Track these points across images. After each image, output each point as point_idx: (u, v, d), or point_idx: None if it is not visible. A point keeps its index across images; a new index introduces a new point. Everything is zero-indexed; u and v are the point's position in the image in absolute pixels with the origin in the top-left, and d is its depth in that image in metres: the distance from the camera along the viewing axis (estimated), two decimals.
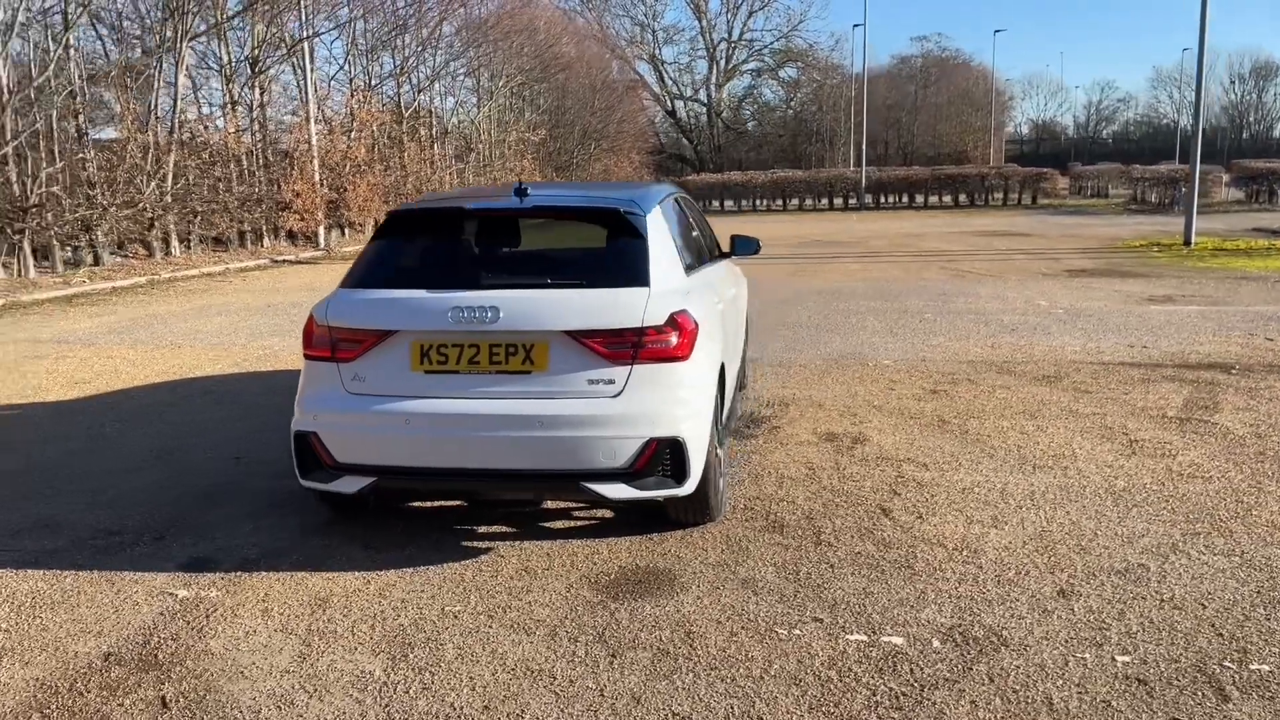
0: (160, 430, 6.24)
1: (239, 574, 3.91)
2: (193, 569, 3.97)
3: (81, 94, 17.17)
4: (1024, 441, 5.55)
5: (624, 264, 4.04)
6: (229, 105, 21.30)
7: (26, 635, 3.43)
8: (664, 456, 3.82)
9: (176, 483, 5.11)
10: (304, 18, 21.81)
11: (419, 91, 31.29)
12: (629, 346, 3.80)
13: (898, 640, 3.26)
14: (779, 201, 42.72)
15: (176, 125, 18.31)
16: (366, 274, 4.18)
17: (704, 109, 71.50)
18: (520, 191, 4.39)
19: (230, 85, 21.32)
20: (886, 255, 18.40)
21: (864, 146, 44.50)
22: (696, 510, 4.19)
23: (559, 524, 4.38)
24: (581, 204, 4.47)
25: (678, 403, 3.87)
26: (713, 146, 69.29)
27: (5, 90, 14.93)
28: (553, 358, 3.81)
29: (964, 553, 3.98)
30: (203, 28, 19.48)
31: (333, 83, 27.04)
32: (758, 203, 43.18)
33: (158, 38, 18.60)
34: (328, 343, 3.98)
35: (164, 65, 18.51)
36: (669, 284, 4.09)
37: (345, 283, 4.21)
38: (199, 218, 18.89)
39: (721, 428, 4.57)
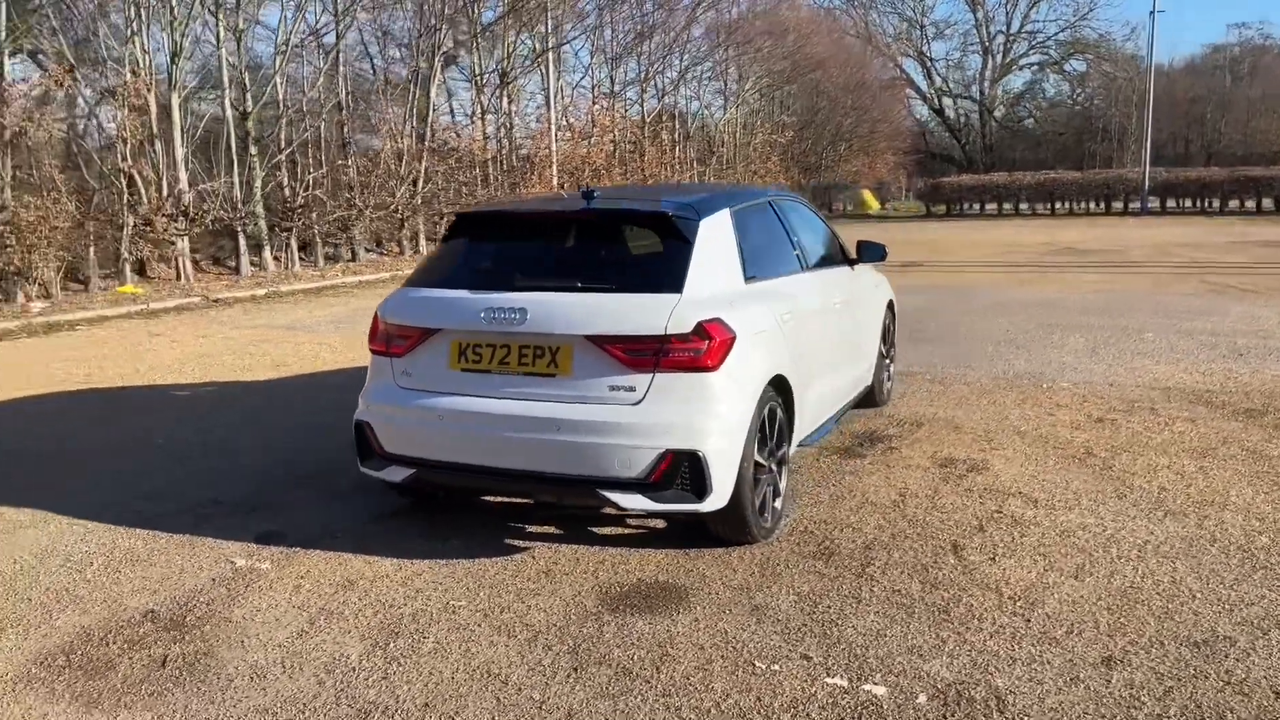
0: (318, 408, 6.81)
1: (297, 550, 4.19)
2: (262, 540, 4.30)
3: (347, 107, 19.08)
4: (1173, 483, 4.83)
5: (660, 269, 3.94)
6: (479, 114, 22.85)
7: (99, 587, 3.86)
8: (682, 469, 3.69)
9: (297, 460, 5.55)
10: (550, 27, 22.97)
11: (663, 95, 32.01)
12: (651, 354, 3.70)
13: (879, 690, 2.95)
14: (1046, 205, 39.69)
15: (428, 133, 19.89)
16: (424, 274, 4.35)
17: (975, 106, 67.68)
18: (587, 195, 4.39)
19: (480, 94, 22.86)
20: (1140, 266, 16.63)
21: (1147, 145, 40.39)
22: (733, 528, 4.00)
23: (607, 530, 4.34)
24: (634, 208, 4.40)
25: (700, 414, 3.72)
26: (983, 146, 65.40)
27: (281, 104, 16.89)
28: (576, 362, 3.78)
29: (1019, 603, 3.53)
30: (454, 43, 21.03)
31: (577, 90, 28.23)
32: (1021, 206, 40.38)
33: (415, 53, 20.30)
34: (384, 338, 4.18)
35: (420, 78, 20.16)
36: (710, 291, 3.93)
37: (407, 281, 4.40)
38: (444, 219, 20.38)
39: (785, 446, 4.33)
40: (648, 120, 31.11)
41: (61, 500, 4.89)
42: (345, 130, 18.86)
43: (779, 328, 4.27)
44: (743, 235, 4.44)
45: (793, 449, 4.60)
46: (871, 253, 5.87)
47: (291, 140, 17.23)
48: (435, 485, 4.18)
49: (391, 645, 3.32)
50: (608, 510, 3.98)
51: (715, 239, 4.17)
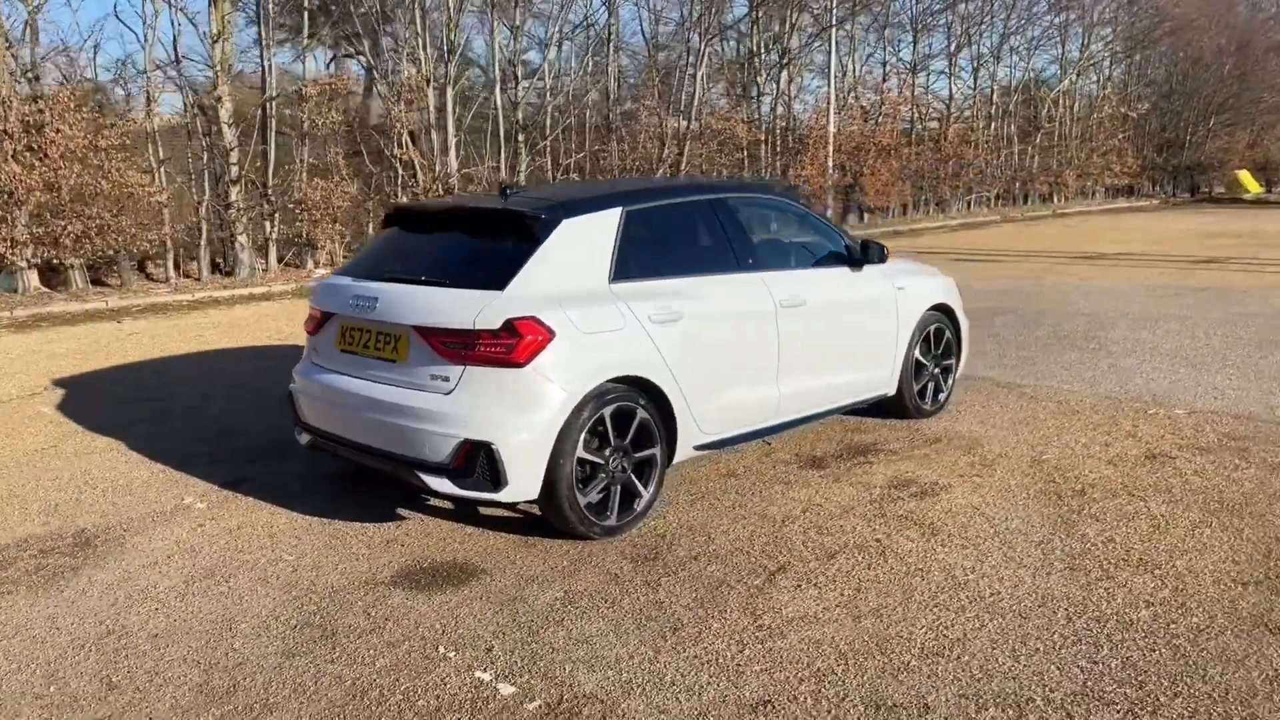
0: None
1: (239, 496, 4.91)
2: (227, 486, 5.07)
3: (614, 91, 20.14)
4: (1127, 539, 4.16)
5: (494, 267, 4.12)
6: (755, 95, 22.98)
7: (78, 506, 4.81)
8: (480, 459, 3.89)
9: None
10: (833, 4, 22.48)
11: (978, 67, 29.94)
12: (462, 347, 3.93)
13: (506, 690, 3.03)
14: None
15: (693, 115, 20.42)
16: (348, 264, 4.85)
17: None
18: (502, 193, 4.67)
19: (756, 75, 22.97)
20: None
21: None
22: (557, 521, 4.13)
23: (495, 511, 4.58)
24: (493, 207, 4.54)
25: (499, 408, 3.89)
26: None
27: (548, 91, 18.26)
28: (411, 350, 4.10)
29: (763, 634, 3.37)
30: (724, 24, 21.32)
31: (865, 66, 27.25)
32: None
33: (684, 33, 20.87)
34: (309, 319, 4.76)
35: (690, 58, 20.73)
36: (543, 290, 4.05)
37: (335, 270, 4.93)
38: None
39: (653, 447, 4.33)
40: (955, 96, 29.32)
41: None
42: (610, 115, 19.93)
43: (642, 328, 4.26)
44: (632, 236, 4.45)
45: (682, 452, 4.56)
46: (872, 253, 5.51)
47: (556, 125, 18.57)
48: (324, 451, 4.67)
49: (201, 581, 3.88)
50: (425, 491, 4.21)
51: (576, 239, 4.25)
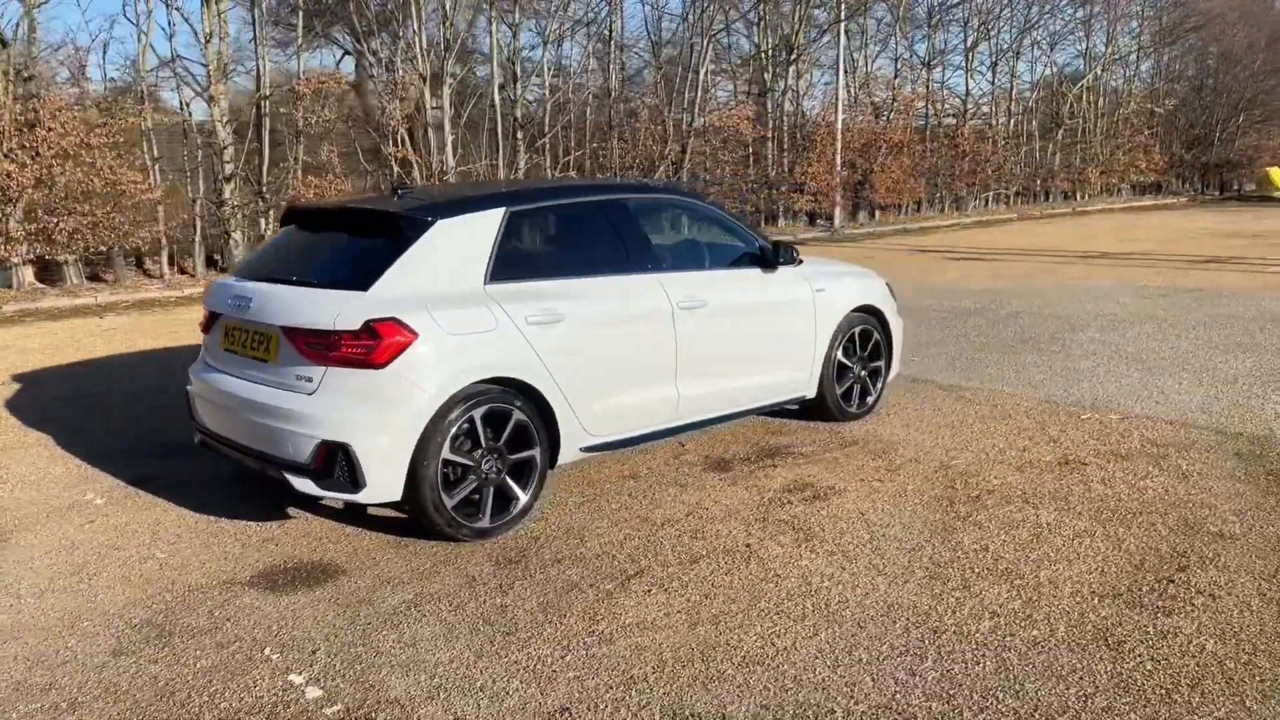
0: None
1: (140, 493, 4.96)
2: (133, 483, 5.13)
3: (615, 89, 20.11)
4: (1003, 547, 4.08)
5: (361, 267, 4.12)
6: (760, 92, 22.85)
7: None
8: (339, 460, 3.90)
9: None
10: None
11: (996, 61, 29.51)
12: (324, 348, 3.94)
13: (313, 693, 3.04)
14: None
15: (695, 113, 20.33)
16: (240, 265, 4.88)
17: None
18: (394, 191, 4.68)
19: (764, 72, 22.83)
20: None
21: None
22: (424, 523, 4.13)
23: (386, 512, 4.59)
24: (371, 208, 4.54)
25: (356, 410, 3.90)
26: None
27: (546, 88, 18.30)
28: (280, 350, 4.12)
29: (590, 639, 3.35)
30: (724, 24, 21.20)
31: (875, 62, 26.95)
32: None
33: (688, 29, 20.80)
34: (204, 319, 4.79)
35: (693, 56, 20.65)
36: (410, 291, 4.05)
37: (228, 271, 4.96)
38: (709, 198, 20.83)
39: (531, 449, 4.33)
40: (971, 92, 28.93)
41: None
42: (611, 113, 19.90)
43: (517, 330, 4.24)
44: (516, 237, 4.44)
45: (568, 455, 4.54)
46: (786, 254, 5.46)
47: (555, 123, 18.59)
48: (212, 450, 4.70)
49: (66, 578, 3.92)
50: (292, 492, 4.21)
51: (450, 240, 4.24)
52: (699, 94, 20.36)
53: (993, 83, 30.01)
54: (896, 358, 6.35)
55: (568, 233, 4.83)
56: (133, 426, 6.19)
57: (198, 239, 14.31)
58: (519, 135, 17.94)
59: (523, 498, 4.33)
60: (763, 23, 22.65)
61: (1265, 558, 3.88)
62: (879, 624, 3.40)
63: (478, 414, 4.13)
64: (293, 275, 4.27)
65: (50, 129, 12.35)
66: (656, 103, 20.21)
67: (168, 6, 14.15)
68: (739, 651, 3.24)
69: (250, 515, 4.56)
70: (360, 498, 3.94)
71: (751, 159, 22.06)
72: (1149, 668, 3.07)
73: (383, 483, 3.92)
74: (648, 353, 4.79)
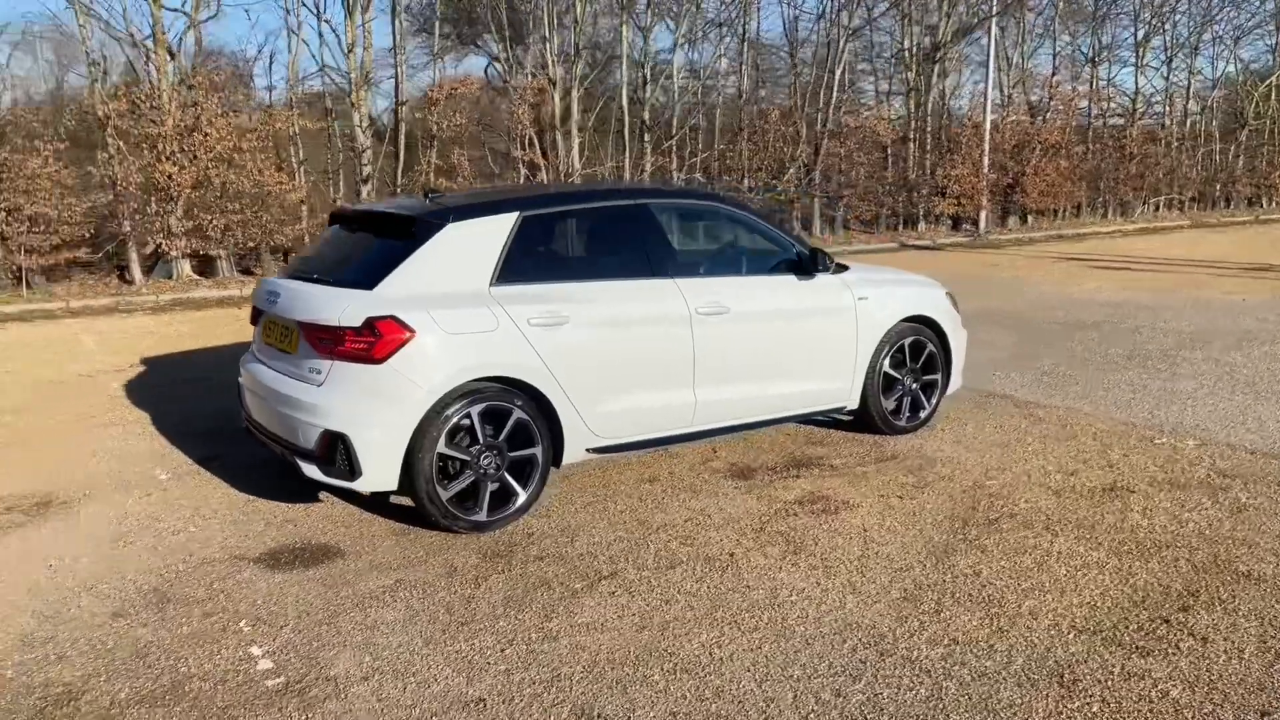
0: None
1: (203, 472, 5.39)
2: (200, 462, 5.58)
3: (748, 90, 20.01)
4: (994, 570, 3.90)
5: (372, 267, 4.34)
6: (906, 91, 22.21)
7: (65, 471, 5.42)
8: (339, 449, 4.13)
9: None
10: None
11: (1171, 57, 27.52)
12: (331, 343, 4.19)
13: (264, 665, 3.25)
14: None
15: (829, 114, 19.97)
16: (289, 263, 5.21)
17: None
18: (426, 196, 4.92)
19: (910, 70, 22.17)
20: None
21: None
22: (422, 512, 4.31)
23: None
24: (388, 210, 4.73)
25: (355, 402, 4.12)
26: None
27: (675, 90, 18.44)
28: (299, 344, 4.41)
29: (541, 634, 3.42)
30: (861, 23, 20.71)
31: (1032, 59, 25.60)
32: None
33: (826, 27, 20.45)
34: (252, 314, 5.15)
35: (830, 54, 20.30)
36: (414, 291, 4.24)
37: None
38: (843, 200, 20.42)
39: (532, 447, 4.46)
40: (1142, 90, 27.08)
41: None
42: (742, 114, 19.81)
43: (518, 331, 4.35)
44: (528, 240, 4.56)
45: (573, 454, 4.63)
46: (824, 261, 5.36)
47: (684, 125, 18.70)
48: (253, 437, 5.03)
49: (104, 546, 4.32)
50: (303, 477, 4.45)
51: (458, 243, 4.41)
52: (834, 94, 19.99)
53: (1167, 79, 28.02)
54: (957, 371, 6.10)
55: (582, 237, 4.92)
56: (222, 410, 6.69)
57: None
58: (646, 137, 18.14)
59: (522, 494, 4.45)
60: (907, 20, 21.98)
61: None
62: (827, 642, 3.33)
63: (475, 411, 4.28)
64: (316, 274, 4.55)
65: (207, 134, 13.43)
66: (789, 104, 19.96)
67: (318, 18, 15.11)
68: (673, 658, 3.24)
69: (285, 497, 4.86)
70: (357, 485, 4.16)
71: (890, 161, 21.46)
72: (1093, 710, 2.89)
73: (378, 472, 4.13)
74: (661, 357, 4.81)
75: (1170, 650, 3.23)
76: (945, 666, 3.15)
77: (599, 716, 2.91)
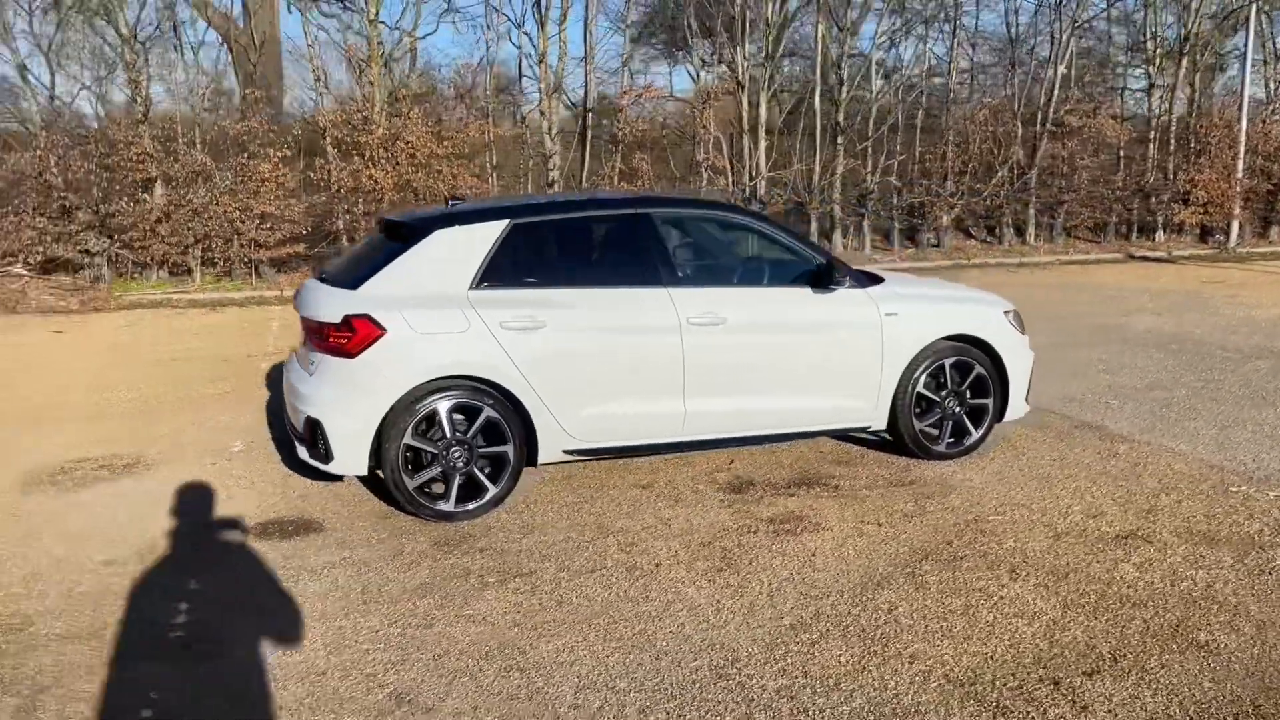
0: None
1: (269, 447, 6.03)
2: (277, 440, 6.24)
3: (951, 91, 19.01)
4: (915, 610, 3.68)
5: (364, 269, 4.71)
6: (1146, 87, 20.24)
7: (165, 438, 6.26)
8: (318, 434, 4.56)
9: None
10: None
11: None
12: (320, 337, 4.62)
13: (179, 620, 3.69)
14: None
15: (1049, 112, 18.57)
16: (320, 266, 5.71)
17: None
18: (447, 203, 5.28)
19: (1151, 64, 20.18)
20: None
21: None
22: (393, 496, 4.64)
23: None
24: (394, 219, 5.01)
25: (329, 391, 4.53)
26: None
27: (873, 91, 17.90)
28: (307, 339, 4.88)
29: (417, 620, 3.65)
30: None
31: None
32: None
33: (1055, 20, 18.99)
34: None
35: (1054, 48, 18.88)
36: (394, 292, 4.57)
37: None
38: (1063, 206, 18.95)
39: (503, 445, 4.67)
40: None
41: None
42: (948, 114, 18.83)
43: (489, 333, 4.57)
44: (515, 247, 4.77)
45: (549, 454, 4.79)
46: (844, 274, 5.19)
47: (881, 126, 18.06)
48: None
49: (147, 504, 4.98)
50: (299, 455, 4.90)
51: (444, 247, 4.69)
52: (1054, 92, 18.59)
53: None
54: (1018, 396, 5.64)
55: (575, 245, 5.04)
56: None
57: None
58: (839, 139, 17.73)
59: (492, 489, 4.67)
60: (1150, 8, 19.99)
61: (1222, 682, 3.10)
62: (675, 659, 3.31)
63: (444, 407, 4.55)
64: (329, 276, 4.99)
65: (409, 142, 14.67)
66: (998, 102, 18.78)
67: (518, 29, 16.06)
68: (520, 658, 3.35)
69: (315, 475, 5.35)
70: (331, 468, 4.55)
71: (1121, 164, 19.64)
72: None
73: (348, 457, 4.50)
74: (647, 366, 4.85)
75: (1030, 715, 2.93)
76: (770, 697, 3.05)
77: (410, 702, 3.08)
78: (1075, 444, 5.82)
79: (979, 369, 5.49)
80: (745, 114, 17.03)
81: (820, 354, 5.19)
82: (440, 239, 4.71)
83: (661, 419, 4.94)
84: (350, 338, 4.47)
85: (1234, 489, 4.98)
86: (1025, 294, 12.80)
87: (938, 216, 18.39)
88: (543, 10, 15.67)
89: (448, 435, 4.59)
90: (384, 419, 4.48)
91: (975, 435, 5.55)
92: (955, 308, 5.54)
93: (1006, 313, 5.65)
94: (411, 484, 4.56)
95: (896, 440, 5.49)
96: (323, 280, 4.97)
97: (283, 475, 5.40)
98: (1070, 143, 18.70)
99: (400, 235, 4.82)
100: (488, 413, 4.62)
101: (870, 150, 18.00)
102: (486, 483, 4.67)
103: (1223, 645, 3.34)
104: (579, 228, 5.09)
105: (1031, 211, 19.12)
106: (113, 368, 8.44)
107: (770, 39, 17.06)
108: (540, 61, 15.71)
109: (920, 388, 5.38)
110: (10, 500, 5.01)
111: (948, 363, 5.42)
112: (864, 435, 5.67)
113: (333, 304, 4.57)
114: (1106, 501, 4.81)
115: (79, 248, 13.98)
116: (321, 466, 4.61)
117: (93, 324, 11.21)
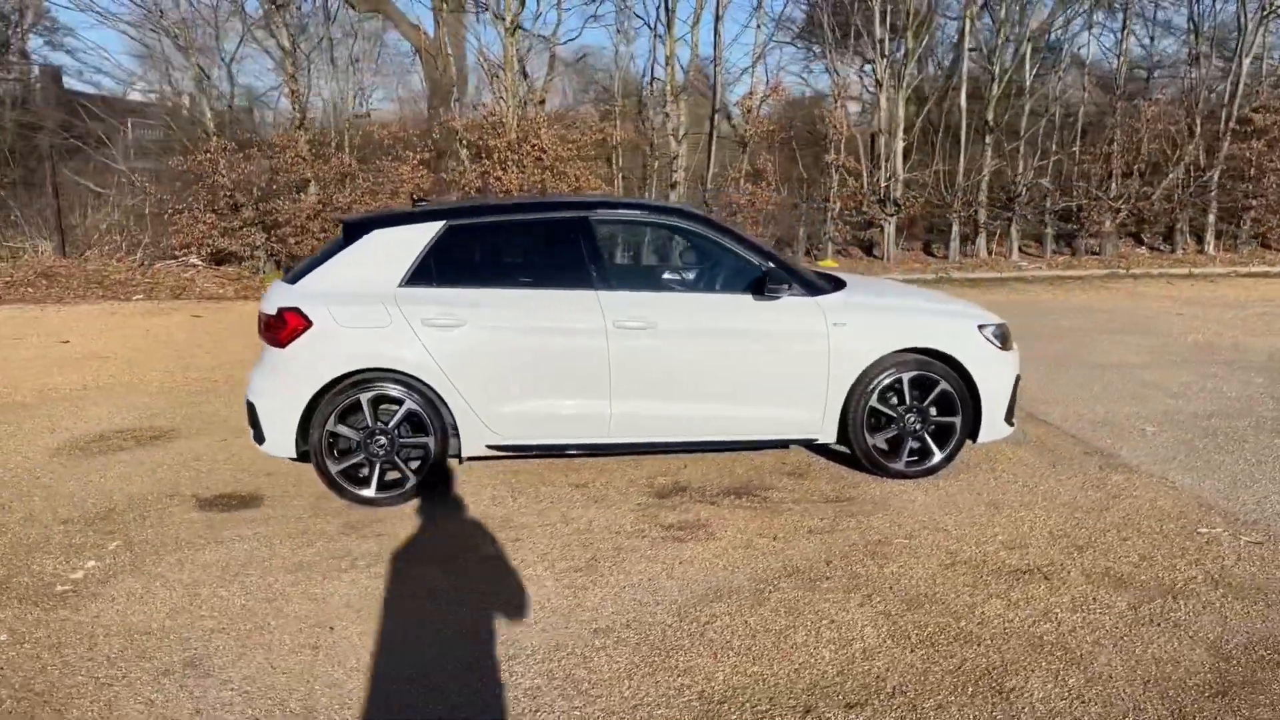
0: None
1: None
2: None
3: (1120, 86, 17.52)
4: (721, 626, 3.61)
5: (308, 265, 5.05)
6: None
7: (199, 416, 6.92)
8: (253, 416, 4.95)
9: None
10: None
11: None
12: (264, 328, 5.02)
13: (76, 575, 4.16)
14: None
15: (1233, 111, 16.80)
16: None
17: None
18: (413, 203, 5.57)
19: None
20: None
21: None
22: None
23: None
24: (344, 219, 5.26)
25: (267, 378, 4.90)
26: None
27: (1027, 91, 16.83)
28: None
29: (242, 589, 3.94)
30: None
31: None
32: None
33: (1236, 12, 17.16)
34: None
35: (1242, 37, 17.07)
36: (327, 287, 4.88)
37: None
38: (1248, 213, 17.14)
39: (425, 435, 4.89)
40: None
41: None
42: (1114, 111, 17.37)
43: (410, 329, 4.79)
44: (448, 248, 4.97)
45: (472, 448, 4.96)
46: (784, 280, 5.05)
47: (1035, 124, 16.96)
48: None
49: (135, 468, 5.57)
50: None
51: (378, 247, 4.95)
52: (1239, 86, 16.82)
53: None
54: (995, 414, 5.27)
55: (506, 247, 5.16)
56: None
57: None
58: (987, 139, 16.83)
59: (413, 478, 4.90)
60: None
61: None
62: (452, 649, 3.40)
63: (365, 397, 4.82)
64: (287, 272, 5.37)
65: (534, 145, 15.24)
66: (1171, 97, 17.17)
67: (650, 29, 16.30)
68: (326, 636, 3.54)
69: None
70: (265, 449, 4.92)
71: None
72: None
73: (277, 439, 4.85)
74: (571, 366, 4.92)
75: None
76: (517, 694, 3.09)
77: (194, 666, 3.34)
78: (1065, 471, 5.38)
79: (944, 385, 5.18)
80: (883, 112, 16.49)
81: (759, 362, 5.07)
82: (377, 238, 4.98)
83: (587, 420, 4.99)
84: (281, 329, 4.82)
85: (1202, 530, 4.47)
86: (1153, 308, 11.75)
87: (1098, 221, 17.09)
88: (669, 11, 15.82)
89: (370, 425, 4.85)
90: (308, 406, 4.80)
91: (939, 456, 5.25)
92: (916, 319, 5.25)
93: (982, 326, 5.29)
94: (335, 468, 4.86)
95: (851, 456, 5.28)
96: (282, 278, 5.37)
97: (252, 453, 5.84)
98: (1257, 143, 16.86)
99: (346, 234, 5.13)
100: (409, 405, 4.85)
101: (1021, 150, 16.97)
102: (408, 472, 4.90)
103: (1027, 694, 3.07)
104: (514, 230, 5.21)
105: (1211, 218, 17.41)
106: (210, 350, 9.33)
107: (911, 33, 16.41)
108: (667, 63, 15.87)
109: (874, 402, 5.15)
110: (38, 462, 5.72)
111: (906, 377, 5.15)
112: (839, 449, 5.48)
113: (273, 297, 4.94)
114: (1040, 534, 4.45)
115: (243, 241, 15.45)
116: (259, 447, 4.99)
117: (234, 310, 12.38)
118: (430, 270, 4.94)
